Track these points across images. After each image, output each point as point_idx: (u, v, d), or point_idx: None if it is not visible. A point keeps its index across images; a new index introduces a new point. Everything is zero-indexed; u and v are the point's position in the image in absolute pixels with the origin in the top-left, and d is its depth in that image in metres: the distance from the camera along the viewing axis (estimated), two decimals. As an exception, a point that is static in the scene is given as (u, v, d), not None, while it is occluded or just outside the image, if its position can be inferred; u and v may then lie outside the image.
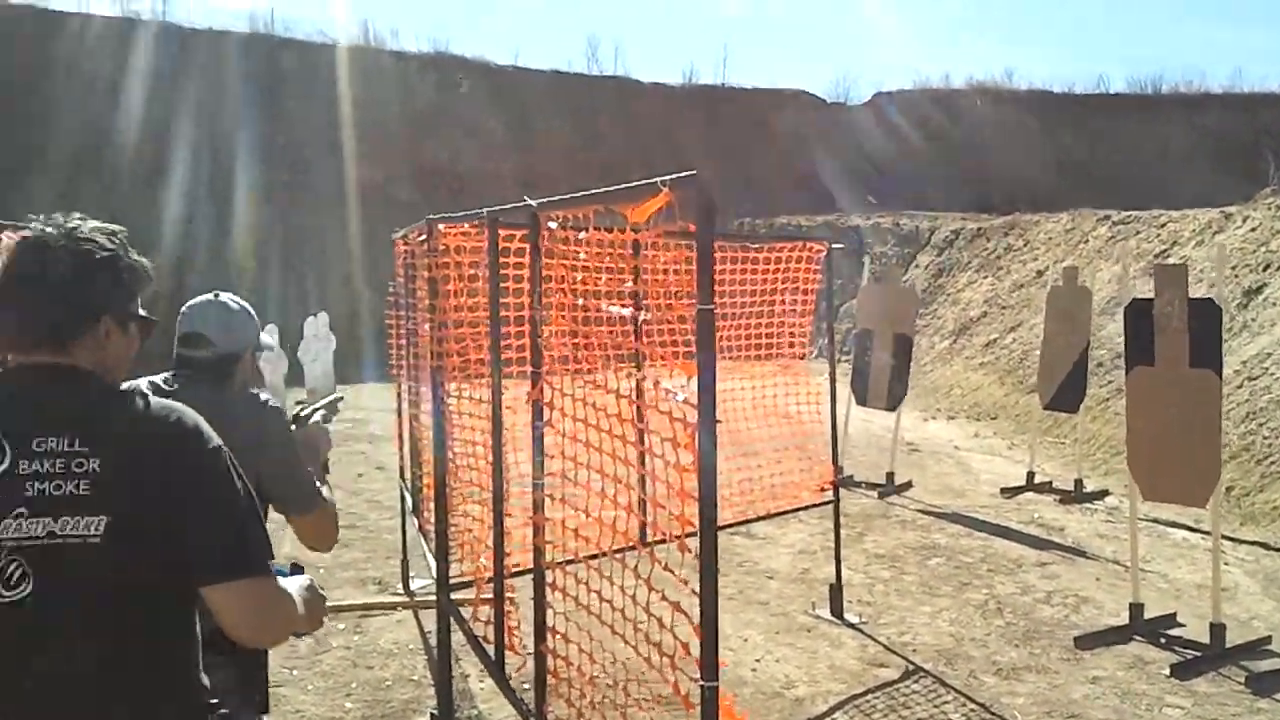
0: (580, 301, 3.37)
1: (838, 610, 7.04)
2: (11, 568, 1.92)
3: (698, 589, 2.43)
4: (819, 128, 34.14)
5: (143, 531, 1.96)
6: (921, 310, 20.40)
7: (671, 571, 2.66)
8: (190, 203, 24.63)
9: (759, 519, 7.26)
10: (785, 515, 7.62)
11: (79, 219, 2.11)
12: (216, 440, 2.08)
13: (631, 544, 3.01)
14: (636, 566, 2.97)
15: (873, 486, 11.18)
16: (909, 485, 11.27)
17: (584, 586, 3.42)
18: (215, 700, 2.16)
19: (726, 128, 32.63)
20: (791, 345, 7.69)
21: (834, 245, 7.43)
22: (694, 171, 2.49)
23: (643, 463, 3.07)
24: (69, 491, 1.93)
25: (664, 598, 2.76)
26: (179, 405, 2.11)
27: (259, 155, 26.51)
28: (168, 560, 1.98)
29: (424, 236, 5.05)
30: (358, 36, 31.19)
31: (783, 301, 7.47)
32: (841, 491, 7.78)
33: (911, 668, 6.20)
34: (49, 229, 2.07)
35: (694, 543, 2.49)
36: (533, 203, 3.54)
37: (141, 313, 2.20)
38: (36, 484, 1.93)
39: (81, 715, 1.98)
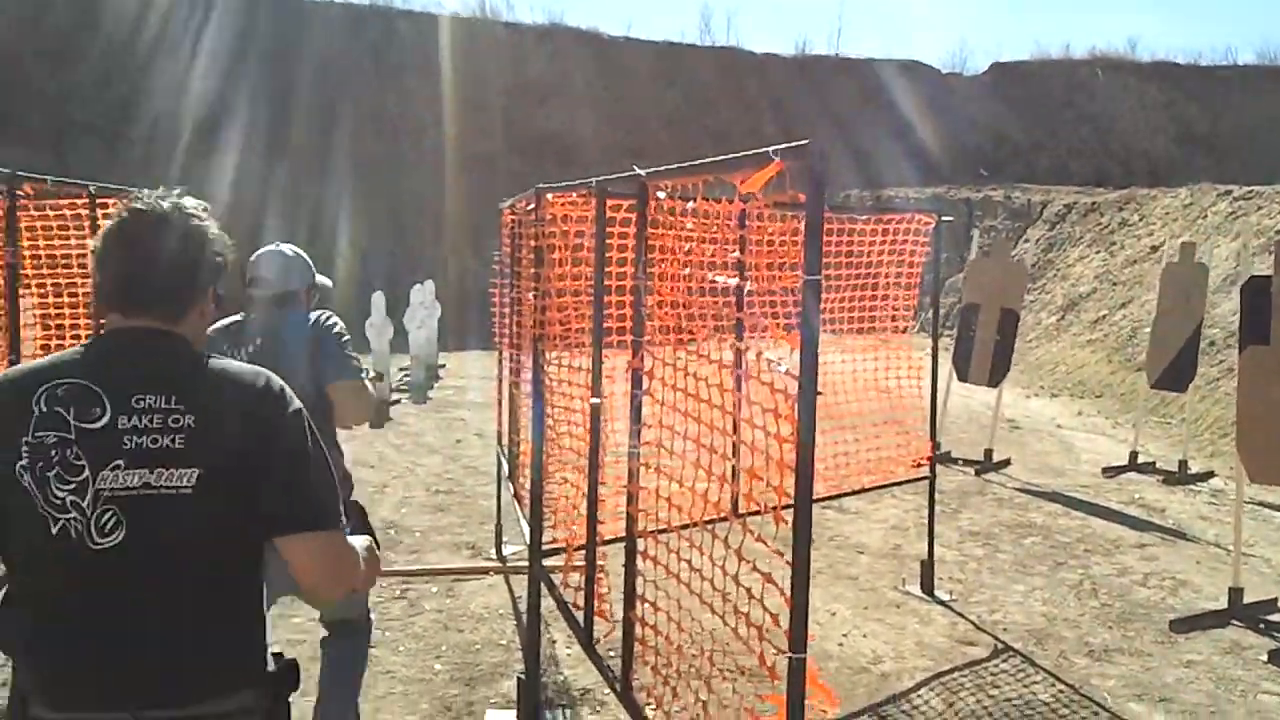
0: (686, 271, 3.40)
1: (928, 587, 7.02)
2: (106, 516, 2.07)
3: (790, 560, 2.46)
4: (933, 99, 33.56)
5: (230, 484, 2.13)
6: (1030, 285, 20.06)
7: (764, 542, 2.69)
8: (296, 173, 24.98)
9: (852, 493, 7.24)
10: (879, 490, 7.61)
11: (179, 193, 2.30)
12: (297, 404, 2.27)
13: (724, 515, 3.03)
14: (727, 537, 3.00)
15: (970, 463, 11.08)
16: (1007, 463, 11.14)
17: (674, 555, 3.46)
18: (278, 651, 2.30)
19: (838, 99, 32.21)
20: (894, 319, 7.64)
21: (942, 218, 7.35)
22: (805, 141, 2.49)
23: (738, 433, 3.08)
24: (165, 445, 2.09)
25: (754, 568, 2.78)
26: (265, 370, 2.30)
27: (371, 125, 26.86)
28: (250, 511, 2.16)
29: (531, 205, 5.11)
30: (473, 8, 31.44)
31: (887, 274, 7.42)
32: (938, 468, 7.73)
33: (1000, 646, 6.18)
34: (163, 202, 2.26)
35: (789, 515, 2.50)
36: (641, 172, 3.57)
37: (220, 293, 2.40)
38: (134, 438, 2.09)
39: (162, 652, 2.11)
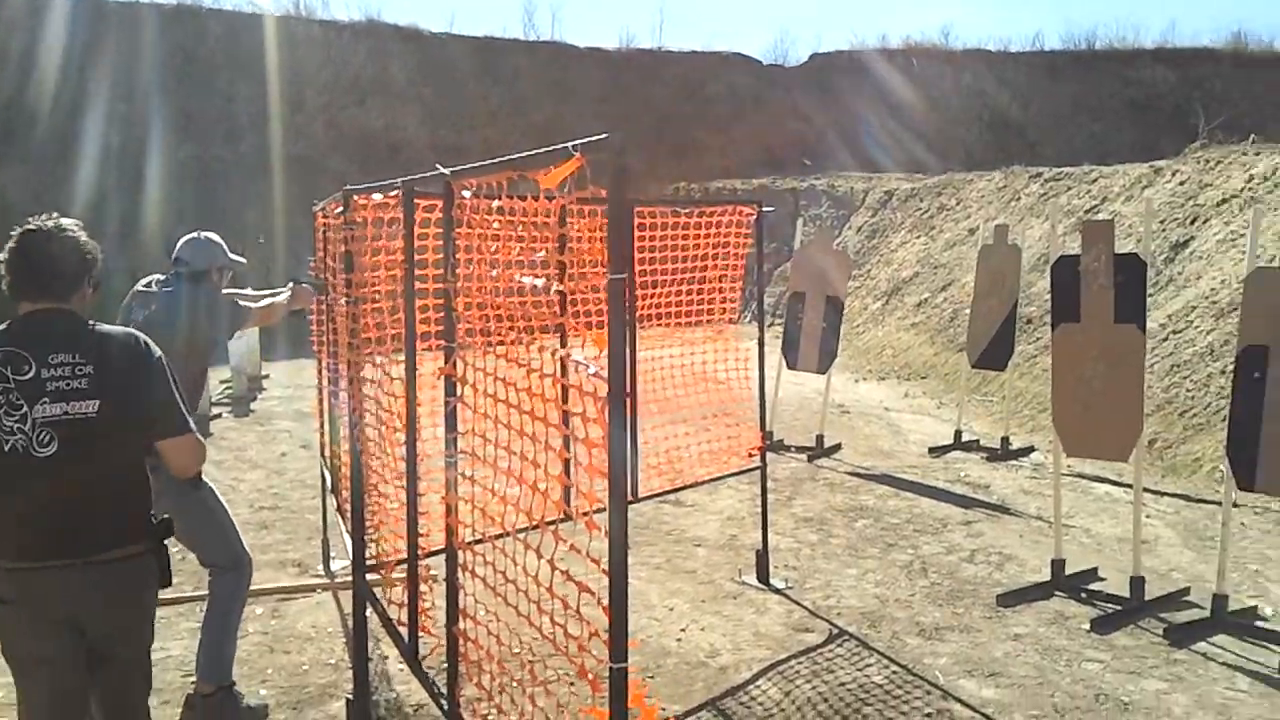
0: (495, 272, 3.30)
1: (764, 576, 7.06)
2: (42, 434, 3.29)
3: (606, 569, 2.38)
4: (756, 91, 33.99)
5: (118, 409, 3.38)
6: (855, 272, 20.47)
7: (577, 550, 2.60)
8: (110, 177, 23.99)
9: (687, 487, 7.25)
10: (714, 482, 7.61)
11: (57, 217, 3.50)
12: (158, 352, 3.56)
13: (534, 523, 2.94)
14: (539, 546, 2.91)
15: (802, 450, 11.22)
16: (838, 448, 11.32)
17: (491, 568, 3.36)
18: (165, 516, 3.61)
19: (664, 92, 32.39)
20: (722, 310, 7.66)
21: (764, 209, 7.38)
22: (605, 135, 2.41)
23: (548, 439, 2.99)
24: (74, 386, 3.32)
25: (569, 577, 2.70)
26: (134, 331, 3.65)
27: (185, 128, 25.93)
28: (133, 426, 3.45)
29: (341, 208, 4.93)
30: (287, 6, 30.59)
31: (714, 266, 7.43)
32: (771, 456, 7.77)
33: (835, 631, 6.24)
34: (47, 224, 3.45)
35: (602, 520, 2.42)
36: (445, 171, 3.46)
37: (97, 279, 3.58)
38: (54, 383, 3.30)
39: (86, 519, 3.36)
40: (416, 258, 3.97)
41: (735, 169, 29.01)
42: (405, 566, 4.11)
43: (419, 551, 4.06)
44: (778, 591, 6.91)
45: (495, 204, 3.32)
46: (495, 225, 3.36)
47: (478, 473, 3.41)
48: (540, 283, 2.95)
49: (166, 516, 3.59)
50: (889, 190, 23.50)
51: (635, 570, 7.25)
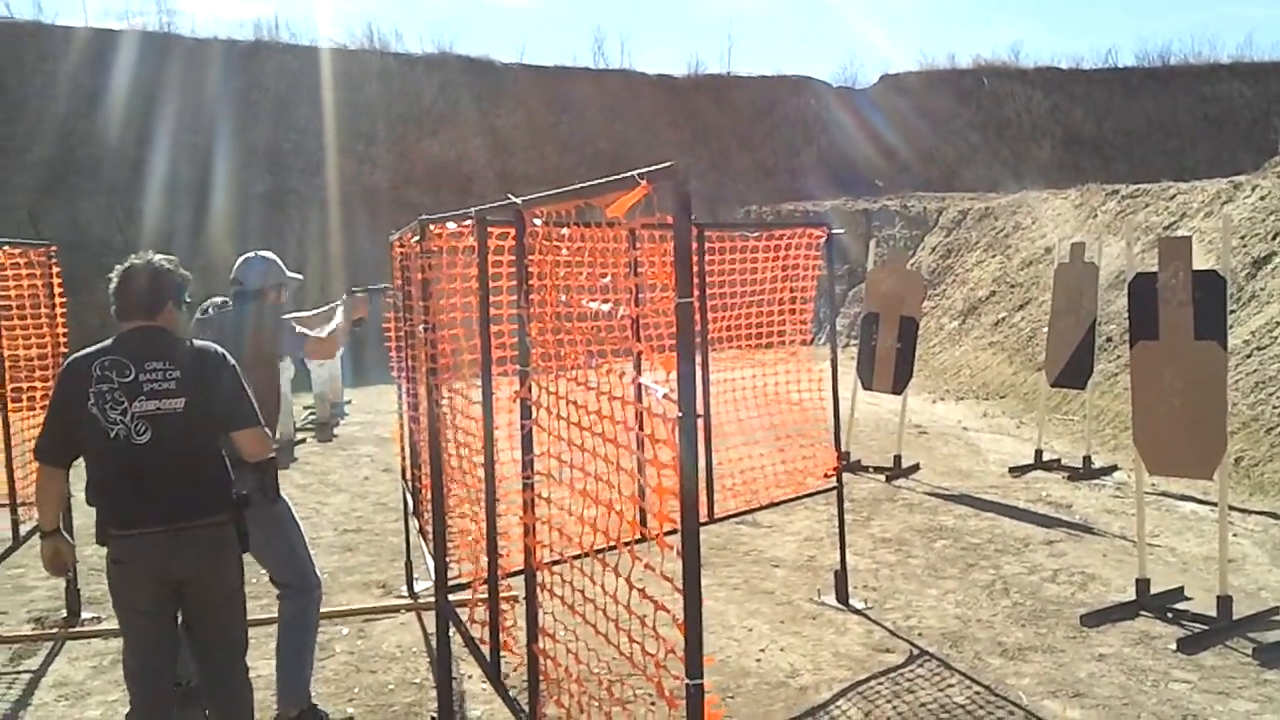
0: (564, 298, 3.36)
1: (843, 596, 7.04)
2: (139, 425, 4.02)
3: (680, 587, 2.41)
4: (826, 113, 33.93)
5: (201, 406, 4.13)
6: (930, 291, 20.33)
7: (652, 569, 2.64)
8: (184, 210, 24.58)
9: (763, 507, 7.25)
10: (791, 503, 7.61)
11: (151, 253, 4.31)
12: (232, 360, 4.32)
13: (612, 543, 2.99)
14: (617, 565, 2.95)
15: (880, 470, 11.16)
16: (916, 468, 11.24)
17: (569, 586, 3.41)
18: (244, 492, 4.33)
19: (733, 117, 32.45)
20: (796, 332, 7.67)
21: (834, 230, 7.40)
22: (670, 163, 2.46)
23: (620, 460, 3.04)
24: (165, 387, 4.07)
25: (645, 595, 2.74)
26: (212, 344, 4.35)
27: (262, 162, 26.47)
28: (212, 419, 4.21)
29: (416, 237, 5.04)
30: (362, 40, 31.10)
31: (785, 288, 7.46)
32: (848, 476, 7.75)
33: (916, 652, 6.20)
34: (143, 260, 4.23)
35: (674, 540, 2.46)
36: (517, 200, 3.53)
37: (187, 299, 4.43)
38: (149, 384, 4.05)
39: (176, 494, 4.07)
40: (490, 284, 4.06)
41: (806, 191, 28.96)
42: (486, 587, 4.17)
43: (499, 572, 4.13)
44: (857, 612, 6.89)
45: (564, 231, 3.39)
46: (564, 252, 3.42)
47: (554, 494, 3.46)
48: (608, 307, 3.01)
49: (244, 492, 4.31)
50: (963, 210, 23.30)
51: (713, 590, 7.28)
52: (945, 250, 22.59)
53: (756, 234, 7.39)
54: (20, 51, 25.54)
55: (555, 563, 3.54)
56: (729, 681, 5.80)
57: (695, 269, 6.53)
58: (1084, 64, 36.68)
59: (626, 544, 2.87)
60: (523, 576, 3.77)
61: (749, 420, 7.45)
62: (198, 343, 4.32)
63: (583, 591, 3.34)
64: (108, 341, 4.15)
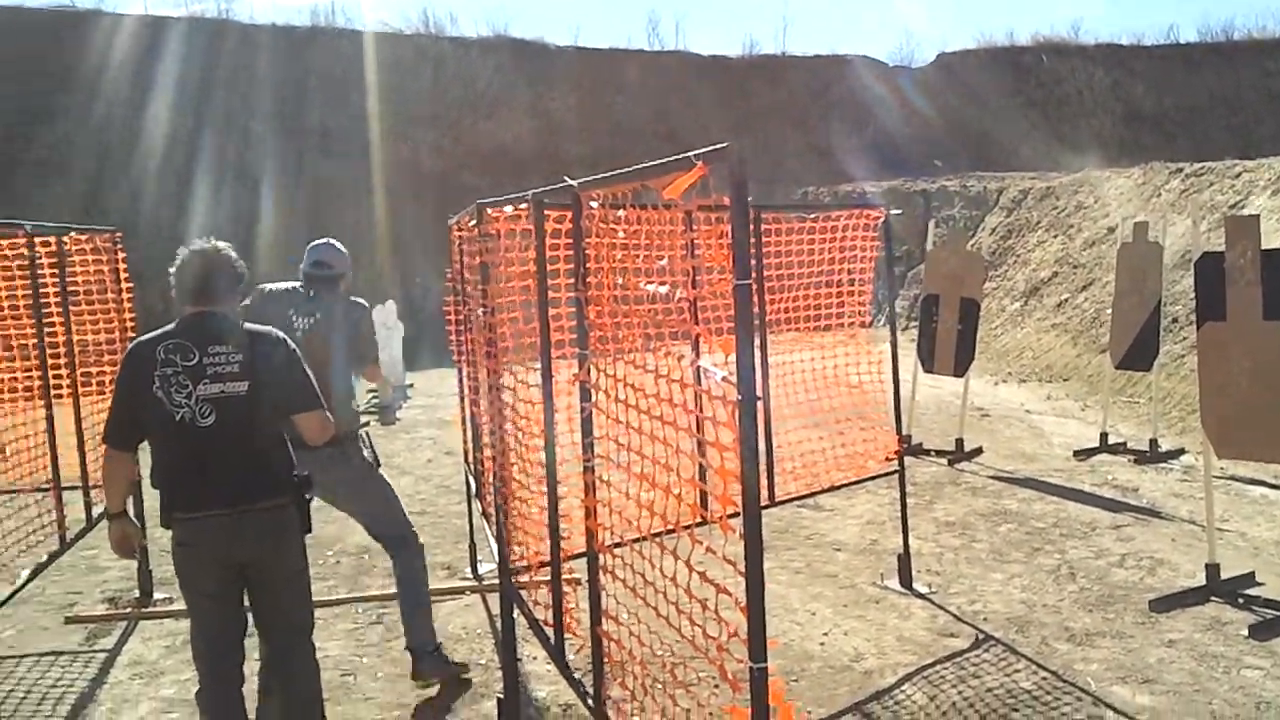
0: (620, 281, 3.34)
1: (906, 581, 6.98)
2: (204, 408, 4.06)
3: (743, 570, 2.39)
4: (882, 93, 33.64)
5: (263, 389, 4.16)
6: (991, 273, 20.10)
7: (713, 552, 2.62)
8: (244, 194, 24.87)
9: (824, 491, 7.19)
10: (852, 486, 7.55)
11: (213, 239, 4.36)
12: (292, 344, 4.38)
13: (671, 527, 2.97)
14: (676, 549, 2.93)
15: (942, 454, 11.05)
16: (979, 451, 11.13)
17: (630, 570, 3.40)
18: (305, 474, 4.38)
19: (789, 98, 32.27)
20: (854, 314, 7.61)
21: (892, 211, 7.32)
22: (726, 144, 2.44)
23: (679, 443, 3.01)
24: (229, 371, 4.10)
25: (705, 579, 2.72)
26: (271, 328, 4.41)
27: (322, 148, 26.71)
28: (275, 403, 4.23)
29: (474, 221, 5.05)
30: (418, 24, 31.28)
31: (843, 270, 7.40)
32: (910, 460, 7.67)
33: (982, 636, 6.13)
34: (205, 246, 4.29)
35: (737, 523, 2.44)
36: (573, 182, 3.52)
37: (243, 289, 4.49)
38: (213, 368, 4.09)
39: (240, 476, 4.12)
40: (548, 267, 4.05)
41: (863, 172, 28.72)
42: (548, 569, 4.18)
43: (561, 554, 4.13)
44: (921, 596, 6.84)
45: (620, 213, 3.37)
46: (620, 234, 3.40)
47: (613, 477, 3.45)
48: (665, 289, 2.98)
49: (306, 474, 4.37)
50: (1023, 189, 23.01)
51: (775, 574, 7.25)
52: (1006, 231, 22.33)
53: (813, 215, 7.33)
54: (80, 39, 25.96)
55: (617, 545, 3.53)
56: (793, 665, 5.77)
57: (752, 251, 6.50)
58: (1145, 40, 36.14)
59: (686, 527, 2.85)
60: (584, 559, 3.77)
61: (808, 403, 7.40)
62: (256, 327, 4.37)
63: (643, 575, 3.33)
64: (170, 326, 4.19)
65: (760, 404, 6.45)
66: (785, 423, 7.26)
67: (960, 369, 11.45)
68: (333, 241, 5.90)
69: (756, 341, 6.56)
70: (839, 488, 7.33)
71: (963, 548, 7.84)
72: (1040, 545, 7.81)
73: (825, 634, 6.25)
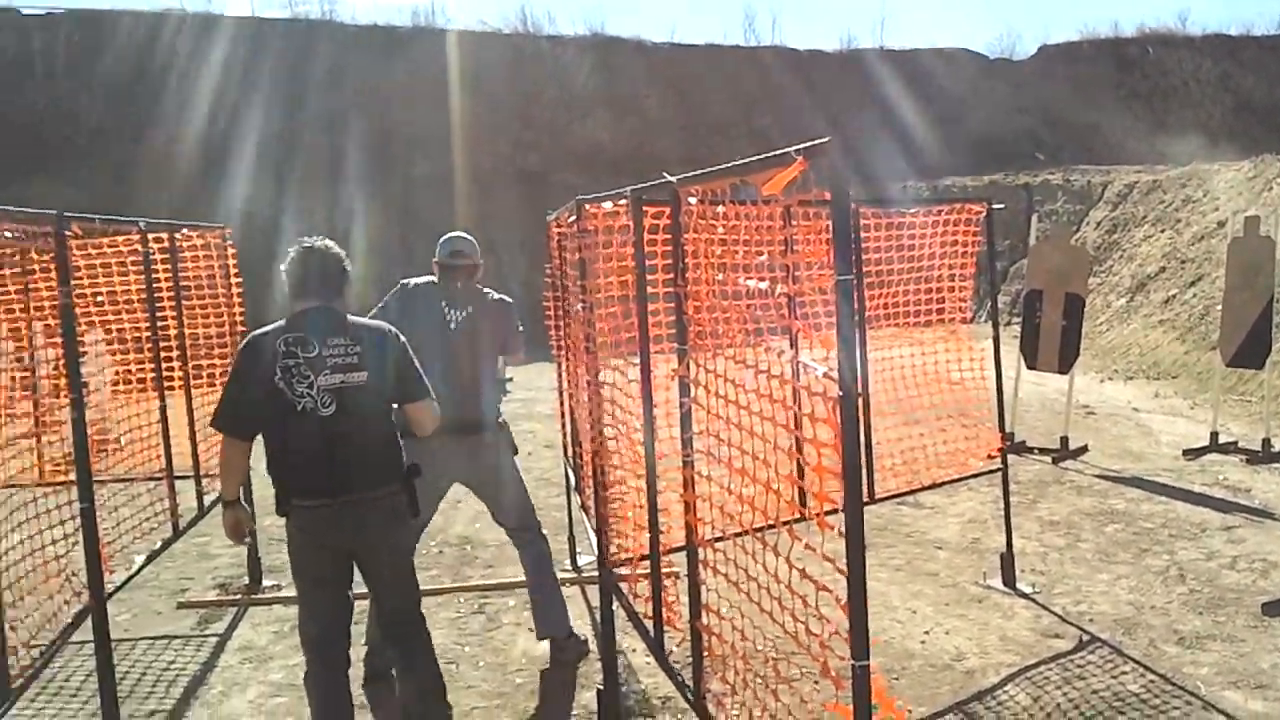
0: (719, 276, 3.34)
1: (1009, 580, 6.87)
2: (326, 399, 4.22)
3: (844, 568, 2.38)
4: (983, 86, 33.15)
5: (380, 379, 4.34)
6: (1096, 268, 19.69)
7: (812, 549, 2.61)
8: (346, 200, 25.31)
9: (925, 489, 7.11)
10: (953, 484, 7.45)
11: (321, 238, 4.52)
12: (403, 339, 4.52)
13: (770, 522, 2.96)
14: (776, 545, 2.92)
15: (1046, 452, 10.85)
16: (1084, 449, 10.90)
17: (732, 564, 3.39)
18: (414, 463, 4.55)
19: (887, 91, 31.92)
20: (955, 309, 7.51)
21: (994, 205, 7.21)
22: (826, 138, 2.42)
23: (777, 439, 3.00)
24: (348, 362, 4.27)
25: (805, 575, 2.71)
26: (383, 323, 4.65)
27: (425, 147, 27.04)
28: (388, 392, 4.42)
29: (573, 217, 5.08)
30: (515, 24, 31.54)
31: (944, 265, 7.30)
32: (1013, 458, 7.55)
33: (1087, 638, 6.01)
34: (316, 244, 4.44)
35: (835, 520, 2.42)
36: (672, 178, 3.52)
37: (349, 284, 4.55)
38: (333, 359, 4.25)
39: (359, 465, 4.28)
40: (646, 263, 4.06)
41: (964, 166, 28.31)
42: (648, 563, 4.19)
43: (660, 548, 4.14)
44: (1025, 596, 6.72)
45: (719, 209, 3.37)
46: (720, 230, 3.40)
47: (713, 472, 3.45)
48: (764, 285, 2.98)
49: (414, 463, 4.53)
50: (1129, 183, 22.49)
51: (875, 572, 7.19)
52: (1111, 225, 21.85)
53: (914, 210, 7.25)
54: (185, 40, 26.64)
55: (717, 540, 3.53)
56: (893, 663, 5.72)
57: (851, 247, 6.45)
58: (1255, 30, 35.13)
59: (785, 523, 2.84)
60: (684, 553, 3.78)
61: (908, 399, 7.32)
62: (367, 320, 4.59)
63: (745, 569, 3.32)
64: (284, 320, 4.34)
65: (859, 400, 6.41)
66: (885, 419, 7.19)
67: (1065, 366, 11.24)
68: (464, 233, 6.02)
69: (856, 337, 6.53)
70: (940, 485, 7.24)
71: (1068, 547, 7.69)
72: (1148, 546, 7.64)
73: (926, 632, 6.18)
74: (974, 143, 30.74)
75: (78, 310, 6.96)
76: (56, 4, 27.27)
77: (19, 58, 26.27)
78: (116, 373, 7.59)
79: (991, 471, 7.11)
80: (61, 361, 6.84)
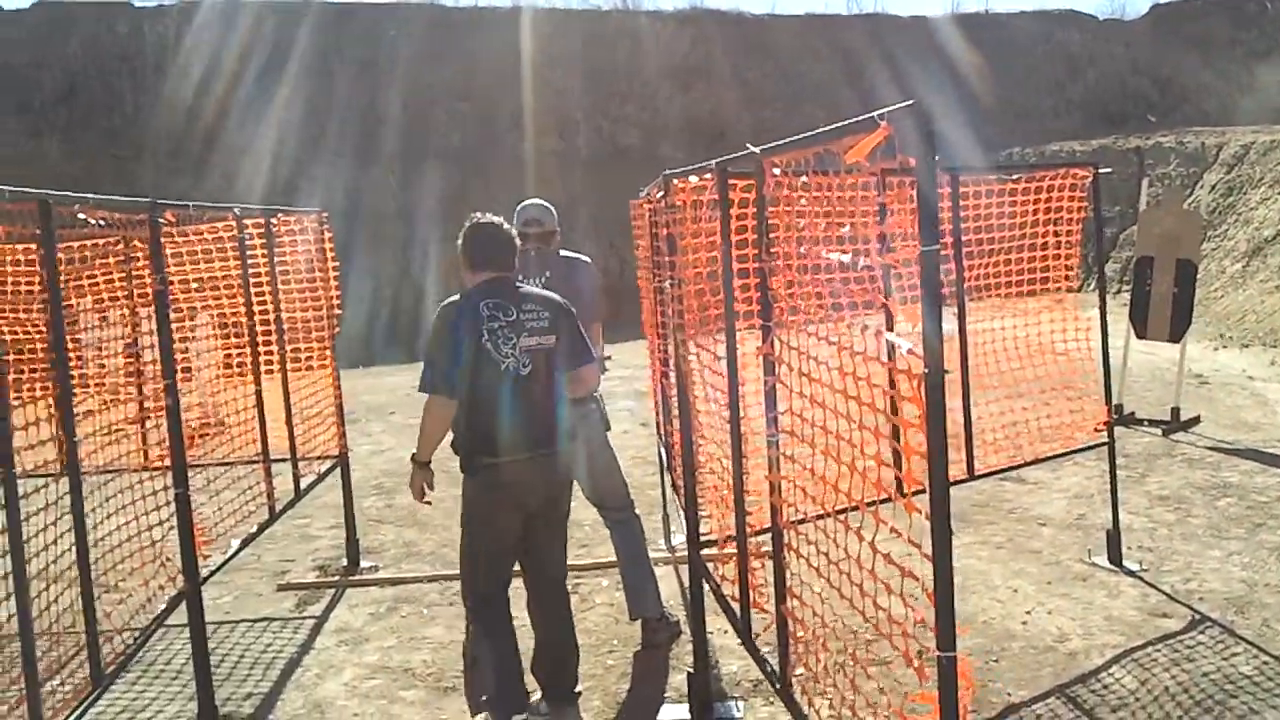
0: (803, 250, 3.24)
1: (1115, 557, 6.66)
2: (525, 358, 4.55)
3: (930, 553, 2.28)
4: (1092, 48, 32.29)
5: (562, 342, 4.69)
6: (1210, 232, 19.06)
7: (898, 533, 2.51)
8: (457, 172, 25.50)
9: (1028, 464, 6.91)
10: (1058, 459, 7.24)
11: (490, 215, 4.86)
12: (571, 306, 4.82)
13: (855, 504, 2.86)
14: (860, 528, 2.83)
15: (1156, 423, 10.52)
16: (1196, 420, 10.55)
17: (815, 548, 3.30)
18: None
19: (994, 56, 31.24)
20: (1062, 278, 7.28)
21: (1101, 170, 6.96)
22: (910, 101, 2.31)
23: (863, 418, 2.89)
24: (540, 325, 4.63)
25: (889, 560, 2.61)
26: (552, 293, 4.87)
27: (524, 126, 27.17)
28: (567, 354, 4.72)
29: (661, 193, 5.01)
30: (615, 1, 31.59)
31: (1048, 232, 7.09)
32: (1122, 430, 7.31)
33: (1197, 617, 5.80)
34: (488, 220, 4.81)
35: (921, 502, 2.32)
36: (755, 149, 3.43)
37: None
38: (529, 322, 4.60)
39: (547, 422, 4.64)
40: (733, 238, 3.97)
41: (1072, 130, 27.61)
42: (735, 544, 4.12)
43: (748, 529, 4.06)
44: (1131, 574, 6.51)
45: (803, 179, 3.26)
46: (803, 201, 3.30)
47: (798, 452, 3.36)
48: (848, 258, 2.87)
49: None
50: (1245, 144, 21.70)
51: (976, 549, 7.04)
52: (1226, 188, 21.12)
53: (1015, 177, 7.02)
54: (314, 31, 27.08)
55: (800, 522, 3.44)
56: (993, 644, 5.58)
57: (948, 215, 6.28)
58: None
59: (870, 504, 2.74)
60: (769, 534, 3.70)
61: (1010, 372, 7.13)
62: (538, 289, 4.96)
63: (826, 554, 3.23)
64: (472, 290, 4.69)
65: (958, 374, 6.25)
66: (987, 393, 7.00)
67: (1176, 334, 10.88)
68: (539, 200, 6.12)
69: (953, 310, 6.36)
70: (1044, 460, 7.03)
71: (1177, 523, 7.44)
72: (1263, 521, 7.35)
73: (1028, 612, 6.01)
74: (1084, 106, 30.01)
75: (183, 294, 7.13)
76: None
77: (131, 48, 26.91)
78: (224, 356, 7.70)
79: (1098, 445, 6.89)
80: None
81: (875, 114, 2.40)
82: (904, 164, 2.38)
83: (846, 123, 2.58)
